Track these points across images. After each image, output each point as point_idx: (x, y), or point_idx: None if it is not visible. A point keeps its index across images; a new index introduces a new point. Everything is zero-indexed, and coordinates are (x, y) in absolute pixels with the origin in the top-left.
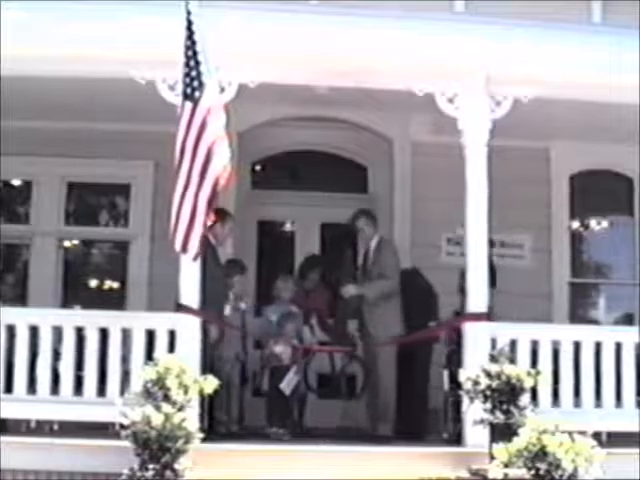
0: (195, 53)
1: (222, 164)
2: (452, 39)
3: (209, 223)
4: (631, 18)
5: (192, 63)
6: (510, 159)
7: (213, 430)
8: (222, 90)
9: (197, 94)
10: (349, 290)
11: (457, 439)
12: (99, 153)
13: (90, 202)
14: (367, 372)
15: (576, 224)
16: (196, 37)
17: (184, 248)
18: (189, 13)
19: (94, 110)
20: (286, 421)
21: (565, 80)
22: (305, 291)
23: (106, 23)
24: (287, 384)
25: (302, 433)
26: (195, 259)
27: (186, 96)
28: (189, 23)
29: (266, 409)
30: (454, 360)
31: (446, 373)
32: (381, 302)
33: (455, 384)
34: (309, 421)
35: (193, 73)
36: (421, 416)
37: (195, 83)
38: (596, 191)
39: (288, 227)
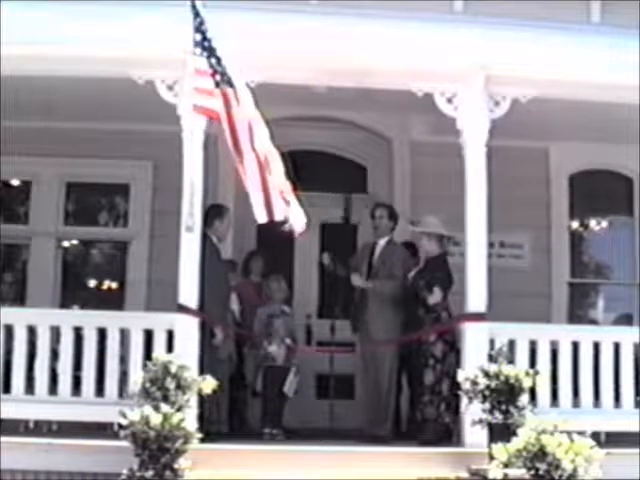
0: (210, 43)
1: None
2: (451, 39)
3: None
4: (631, 18)
5: (207, 54)
6: (510, 159)
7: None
8: None
9: (225, 78)
10: (355, 280)
11: (444, 437)
12: (98, 153)
13: (89, 202)
14: (367, 372)
15: (576, 224)
16: (204, 27)
17: (270, 215)
18: (194, 7)
19: (93, 110)
20: (280, 421)
21: (564, 80)
22: (254, 284)
23: (105, 23)
24: (289, 386)
25: (295, 433)
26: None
27: (216, 84)
28: (196, 17)
29: (261, 409)
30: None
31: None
32: (387, 304)
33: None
34: (308, 421)
35: (213, 61)
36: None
37: (219, 68)
38: (596, 191)
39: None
